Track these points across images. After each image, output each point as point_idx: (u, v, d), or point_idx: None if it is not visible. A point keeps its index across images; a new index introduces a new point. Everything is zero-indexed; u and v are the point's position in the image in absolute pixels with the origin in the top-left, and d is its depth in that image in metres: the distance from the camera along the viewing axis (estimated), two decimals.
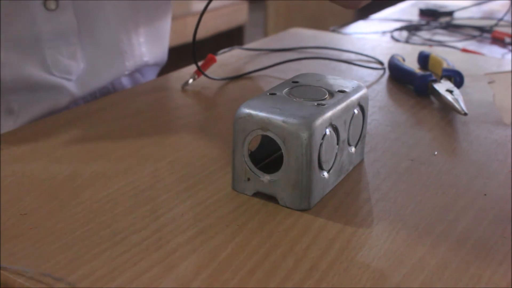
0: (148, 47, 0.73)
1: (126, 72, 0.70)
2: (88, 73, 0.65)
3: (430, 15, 1.10)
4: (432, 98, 0.63)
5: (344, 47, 0.85)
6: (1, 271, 0.33)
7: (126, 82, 0.75)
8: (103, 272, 0.34)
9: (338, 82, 0.46)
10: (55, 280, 0.33)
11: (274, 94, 0.43)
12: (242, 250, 0.36)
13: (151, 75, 0.80)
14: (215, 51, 0.76)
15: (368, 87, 0.65)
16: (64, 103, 0.64)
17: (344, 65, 0.75)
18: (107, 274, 0.34)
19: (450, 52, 0.85)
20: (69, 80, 0.64)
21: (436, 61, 0.70)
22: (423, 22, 1.05)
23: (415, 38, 0.96)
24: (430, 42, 0.94)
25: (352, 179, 0.46)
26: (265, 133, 0.40)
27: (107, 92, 0.71)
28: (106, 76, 0.68)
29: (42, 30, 0.60)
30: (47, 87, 0.63)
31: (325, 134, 0.41)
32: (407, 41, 0.94)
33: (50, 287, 0.33)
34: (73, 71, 0.64)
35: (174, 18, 0.87)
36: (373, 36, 0.96)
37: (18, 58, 0.60)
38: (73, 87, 0.64)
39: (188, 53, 0.66)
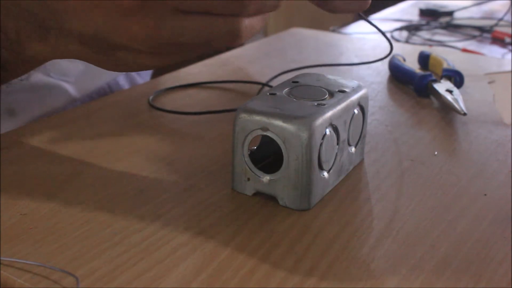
0: None
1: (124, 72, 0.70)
2: (86, 74, 0.65)
3: (430, 15, 1.10)
4: (432, 98, 0.63)
5: (344, 47, 0.85)
6: (1, 272, 0.32)
7: (122, 81, 0.74)
8: (103, 272, 0.34)
9: (338, 82, 0.46)
10: (56, 279, 0.33)
11: (274, 94, 0.43)
12: (242, 250, 0.36)
13: (146, 73, 0.80)
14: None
15: (368, 87, 0.65)
16: (61, 104, 0.64)
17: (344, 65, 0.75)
18: (107, 274, 0.34)
19: (450, 52, 0.85)
20: (67, 81, 0.64)
21: (436, 61, 0.70)
22: (423, 22, 1.05)
23: (415, 38, 0.96)
24: (430, 42, 0.93)
25: (352, 179, 0.46)
26: (265, 133, 0.40)
27: (103, 93, 0.71)
28: (104, 76, 0.67)
29: None
30: (45, 88, 0.62)
31: (325, 134, 0.41)
32: (407, 41, 0.94)
33: (50, 287, 0.33)
34: (71, 73, 0.64)
35: None
36: (373, 36, 0.95)
37: None
38: (71, 89, 0.64)
39: None
